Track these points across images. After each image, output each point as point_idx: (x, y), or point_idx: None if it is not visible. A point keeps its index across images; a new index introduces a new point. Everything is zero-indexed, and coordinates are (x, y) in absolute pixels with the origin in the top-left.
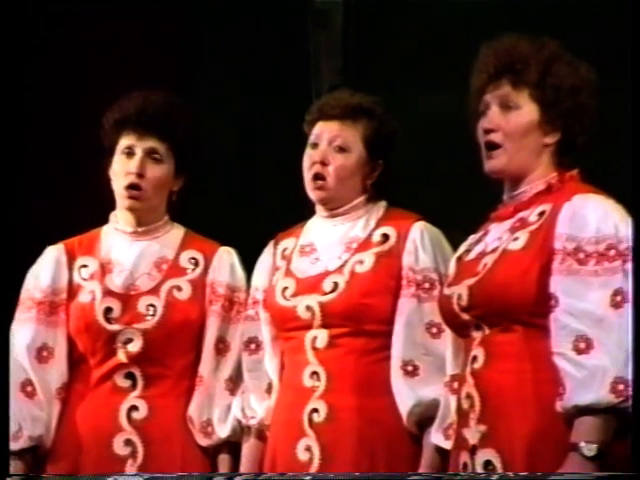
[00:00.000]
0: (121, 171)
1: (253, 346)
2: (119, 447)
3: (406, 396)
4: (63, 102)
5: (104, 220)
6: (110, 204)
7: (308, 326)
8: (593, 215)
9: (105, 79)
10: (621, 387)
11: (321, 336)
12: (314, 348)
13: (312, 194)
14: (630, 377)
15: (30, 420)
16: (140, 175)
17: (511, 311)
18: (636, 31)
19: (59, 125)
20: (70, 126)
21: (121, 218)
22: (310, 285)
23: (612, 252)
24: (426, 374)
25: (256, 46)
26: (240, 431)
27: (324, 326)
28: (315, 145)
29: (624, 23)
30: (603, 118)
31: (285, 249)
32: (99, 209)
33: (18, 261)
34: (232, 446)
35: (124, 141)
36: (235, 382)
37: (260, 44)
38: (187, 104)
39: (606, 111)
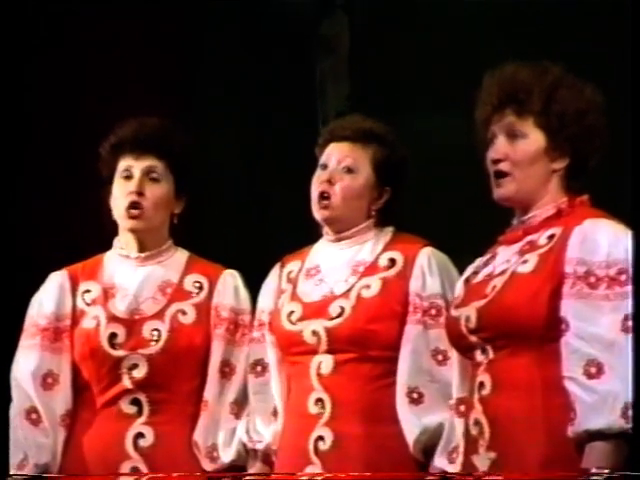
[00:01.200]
0: (121, 193)
1: (259, 368)
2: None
3: (412, 424)
4: (63, 102)
5: (104, 225)
6: (112, 224)
7: (314, 351)
8: (604, 239)
9: (105, 79)
10: (632, 412)
11: (326, 362)
12: (319, 374)
13: (318, 214)
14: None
15: (35, 448)
16: (140, 194)
17: (520, 334)
18: (636, 47)
19: (59, 125)
20: (70, 126)
21: (124, 243)
22: (316, 309)
23: (623, 277)
24: (431, 401)
25: (263, 72)
26: (245, 455)
27: (329, 351)
28: (324, 166)
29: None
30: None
31: (291, 272)
32: (100, 214)
33: (18, 272)
34: (238, 470)
35: (122, 164)
36: (240, 405)
37: (267, 70)
38: (182, 127)
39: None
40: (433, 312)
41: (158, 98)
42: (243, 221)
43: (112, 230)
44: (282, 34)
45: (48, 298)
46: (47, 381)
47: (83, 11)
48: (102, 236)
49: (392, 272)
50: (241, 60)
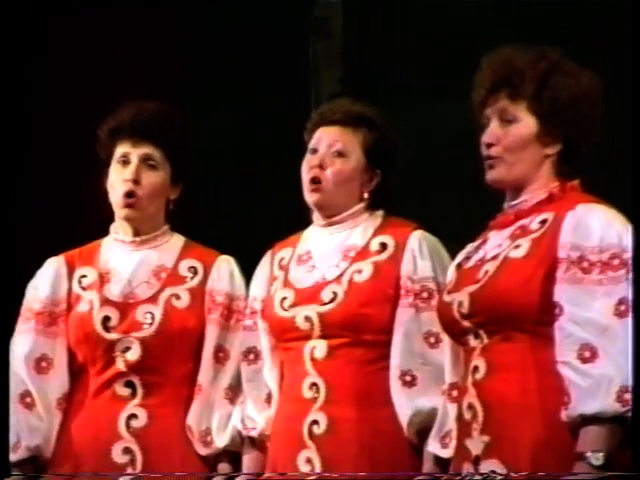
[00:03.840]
0: (117, 180)
1: (252, 356)
2: (118, 455)
3: (405, 406)
4: (63, 102)
5: (104, 225)
6: (110, 212)
7: (307, 337)
8: (597, 224)
9: (105, 79)
10: (627, 396)
11: (320, 347)
12: (313, 359)
13: (309, 197)
14: (631, 383)
15: (28, 431)
16: (136, 182)
17: (513, 319)
18: (636, 37)
19: (59, 125)
20: (70, 126)
21: (120, 228)
22: (308, 295)
23: (616, 261)
24: (424, 384)
25: (256, 55)
26: (239, 440)
27: (323, 337)
28: (314, 150)
29: (624, 28)
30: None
31: (282, 259)
32: (100, 214)
33: (18, 272)
34: (231, 455)
35: (119, 150)
36: (234, 391)
37: (260, 53)
38: (181, 113)
39: (605, 118)
40: (425, 295)
41: (153, 80)
42: (238, 207)
43: (110, 216)
44: (276, 17)
45: (44, 283)
46: (41, 365)
47: (83, 11)
48: (100, 225)
49: (383, 256)
50: (235, 43)
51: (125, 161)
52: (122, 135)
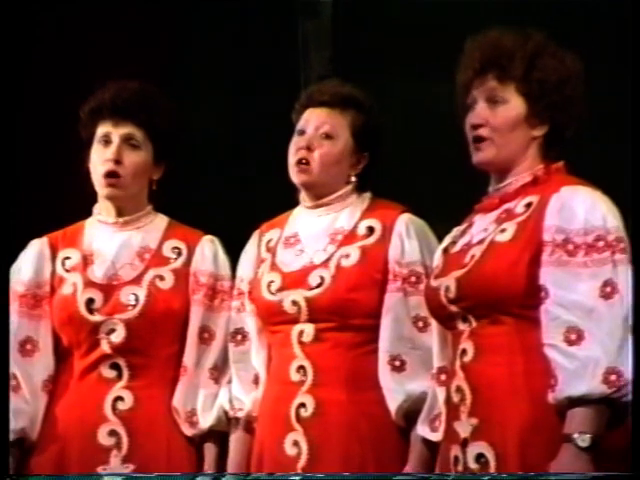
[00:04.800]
0: (98, 159)
1: (239, 337)
2: (104, 437)
3: (394, 391)
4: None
5: (88, 206)
6: (93, 193)
7: (294, 320)
8: (581, 207)
9: (95, 71)
10: (613, 377)
11: (307, 330)
12: (300, 342)
13: (295, 177)
14: (623, 368)
15: (13, 413)
16: (117, 162)
17: (500, 302)
18: (636, 21)
19: (50, 118)
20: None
21: (103, 209)
22: (296, 279)
23: (601, 243)
24: (413, 368)
25: (245, 36)
26: (226, 421)
27: (310, 320)
28: (302, 132)
29: (623, 15)
30: (600, 112)
31: (270, 240)
32: (83, 194)
33: (9, 254)
34: (217, 435)
35: (100, 129)
36: (220, 371)
37: (249, 34)
38: (163, 91)
39: (603, 105)
40: (413, 279)
41: (141, 61)
42: (223, 186)
43: (93, 197)
44: None
45: (27, 265)
46: (26, 347)
47: (79, 3)
48: (84, 206)
49: (371, 240)
50: (223, 24)
51: (107, 141)
52: (103, 115)
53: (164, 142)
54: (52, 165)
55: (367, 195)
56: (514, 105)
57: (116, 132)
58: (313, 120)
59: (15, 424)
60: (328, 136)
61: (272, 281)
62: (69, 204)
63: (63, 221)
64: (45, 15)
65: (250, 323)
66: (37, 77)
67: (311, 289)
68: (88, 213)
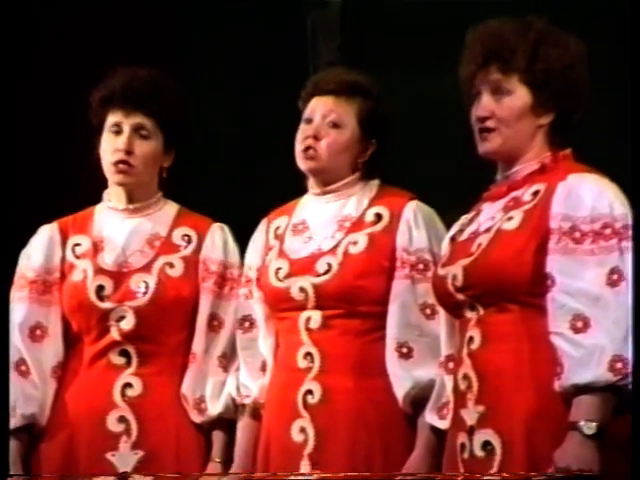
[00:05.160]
0: (109, 148)
1: (247, 324)
2: (113, 424)
3: (402, 378)
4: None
5: (98, 191)
6: (105, 182)
7: (302, 307)
8: (588, 194)
9: (96, 61)
10: (619, 365)
11: (315, 317)
12: (308, 329)
13: (302, 164)
14: (629, 356)
15: (23, 399)
16: (128, 152)
17: (507, 291)
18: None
19: (50, 118)
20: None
21: (113, 195)
22: (303, 266)
23: (608, 231)
24: (421, 356)
25: (253, 25)
26: (234, 408)
27: (318, 307)
28: (309, 120)
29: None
30: (602, 101)
31: (278, 228)
32: (96, 188)
33: (16, 240)
34: (226, 422)
35: (111, 118)
36: (229, 359)
37: (257, 23)
38: (173, 80)
39: (605, 94)
40: (420, 267)
41: (141, 61)
42: (232, 174)
43: (94, 194)
44: None
45: (37, 251)
46: (36, 333)
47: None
48: (94, 191)
49: (378, 227)
50: (231, 13)
51: (117, 131)
52: (114, 104)
53: (174, 131)
54: (52, 165)
55: (375, 182)
56: (519, 95)
57: (127, 122)
58: (320, 109)
59: (25, 409)
60: (335, 125)
61: (280, 268)
62: (69, 205)
63: (72, 205)
64: (45, 15)
65: (258, 310)
66: (37, 77)
67: (318, 276)
68: (98, 196)
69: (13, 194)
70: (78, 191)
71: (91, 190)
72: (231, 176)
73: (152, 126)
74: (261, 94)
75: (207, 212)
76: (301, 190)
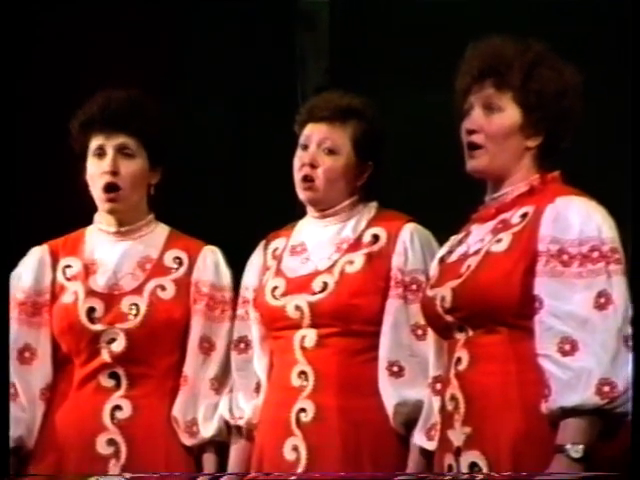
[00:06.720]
0: (96, 172)
1: (243, 345)
2: (102, 447)
3: (392, 396)
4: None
5: (89, 213)
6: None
7: (297, 325)
8: (576, 217)
9: (96, 61)
10: (606, 389)
11: (310, 335)
12: (302, 347)
13: (301, 195)
14: (616, 379)
15: (10, 421)
16: (114, 173)
17: (495, 313)
18: (636, 33)
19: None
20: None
21: (104, 219)
22: (300, 285)
23: (595, 254)
24: (411, 375)
25: (242, 46)
26: (226, 430)
27: (313, 326)
28: (305, 147)
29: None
30: (599, 123)
31: (276, 249)
32: (91, 206)
33: (10, 260)
34: (217, 445)
35: (94, 142)
36: (220, 381)
37: (246, 45)
38: (151, 98)
39: (601, 116)
40: (414, 287)
41: (141, 62)
42: (225, 197)
43: (93, 205)
44: (262, 8)
45: (27, 272)
46: (24, 355)
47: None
48: (84, 208)
49: (375, 248)
50: (221, 35)
51: (101, 153)
52: (94, 128)
53: (158, 147)
54: (52, 166)
55: (373, 205)
56: (510, 114)
57: (109, 143)
58: (315, 135)
59: (12, 432)
60: (331, 151)
61: (276, 286)
62: (69, 207)
63: (63, 226)
64: (45, 15)
65: (254, 330)
66: (37, 77)
67: (314, 294)
68: (89, 217)
69: (13, 194)
70: (78, 191)
71: (83, 207)
72: (225, 199)
73: (135, 144)
74: (251, 117)
75: (199, 233)
76: (298, 212)
